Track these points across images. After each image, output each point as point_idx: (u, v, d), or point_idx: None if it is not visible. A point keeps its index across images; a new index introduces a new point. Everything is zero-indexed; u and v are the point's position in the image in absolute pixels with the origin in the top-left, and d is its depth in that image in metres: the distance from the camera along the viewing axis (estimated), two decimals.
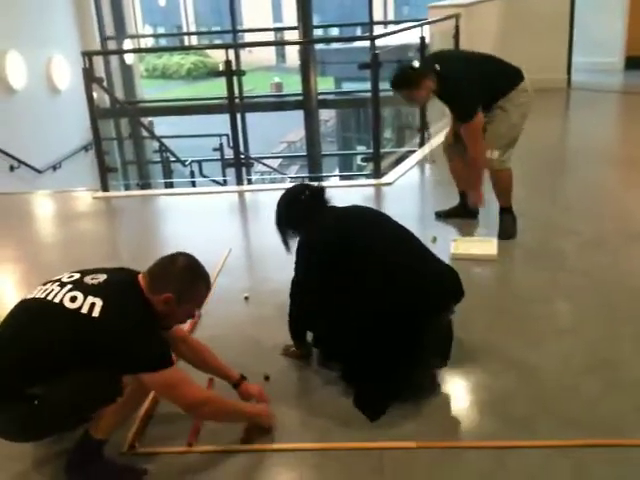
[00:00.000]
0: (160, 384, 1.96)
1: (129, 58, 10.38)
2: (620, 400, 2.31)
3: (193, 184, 8.78)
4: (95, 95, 5.37)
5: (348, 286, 2.35)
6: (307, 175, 9.37)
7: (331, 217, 2.57)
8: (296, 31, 8.71)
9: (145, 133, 9.66)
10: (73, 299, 1.92)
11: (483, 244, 3.66)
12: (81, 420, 2.04)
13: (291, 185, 2.76)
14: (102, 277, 2.02)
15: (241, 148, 6.42)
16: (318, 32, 19.23)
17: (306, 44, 8.40)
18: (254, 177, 9.12)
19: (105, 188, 5.50)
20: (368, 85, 5.47)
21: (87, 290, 1.95)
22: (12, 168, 7.41)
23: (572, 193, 4.67)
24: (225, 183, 8.37)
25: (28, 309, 2.01)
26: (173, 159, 8.92)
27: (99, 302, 1.91)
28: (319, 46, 13.14)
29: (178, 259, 2.09)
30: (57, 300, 1.94)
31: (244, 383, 2.35)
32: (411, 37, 6.36)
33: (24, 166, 7.58)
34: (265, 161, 11.43)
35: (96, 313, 1.89)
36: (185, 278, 2.06)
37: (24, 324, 1.97)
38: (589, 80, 8.39)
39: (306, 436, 2.21)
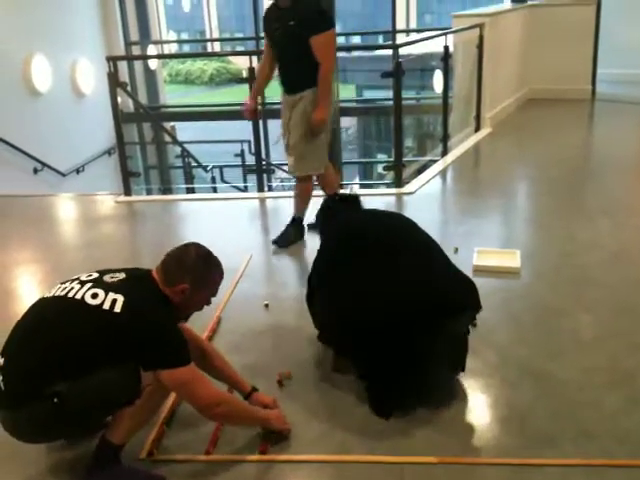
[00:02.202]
0: (177, 381, 1.97)
1: (153, 63, 10.46)
2: None
3: (214, 190, 8.82)
4: (119, 99, 5.42)
5: (355, 284, 2.35)
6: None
7: (355, 216, 2.70)
8: None
9: (167, 138, 9.73)
10: (94, 296, 1.95)
11: (506, 256, 3.63)
12: (98, 422, 2.04)
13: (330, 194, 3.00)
14: (120, 275, 2.06)
15: (262, 154, 6.44)
16: (340, 40, 19.27)
17: None
18: (274, 184, 9.13)
19: (127, 192, 5.54)
20: (390, 93, 5.46)
21: (107, 287, 1.98)
22: (36, 171, 7.50)
23: (596, 205, 4.62)
24: (246, 189, 8.40)
25: (48, 306, 2.02)
26: (195, 164, 8.97)
27: (120, 298, 1.94)
28: (341, 54, 13.15)
29: (190, 250, 2.14)
30: (78, 297, 1.96)
31: (256, 393, 2.35)
32: (434, 46, 6.35)
33: (48, 169, 7.66)
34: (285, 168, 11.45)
35: (118, 309, 1.92)
36: (199, 267, 2.10)
37: (45, 321, 1.99)
38: (614, 91, 8.31)
39: (324, 447, 2.20)
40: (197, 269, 2.10)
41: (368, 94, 16.20)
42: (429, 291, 2.28)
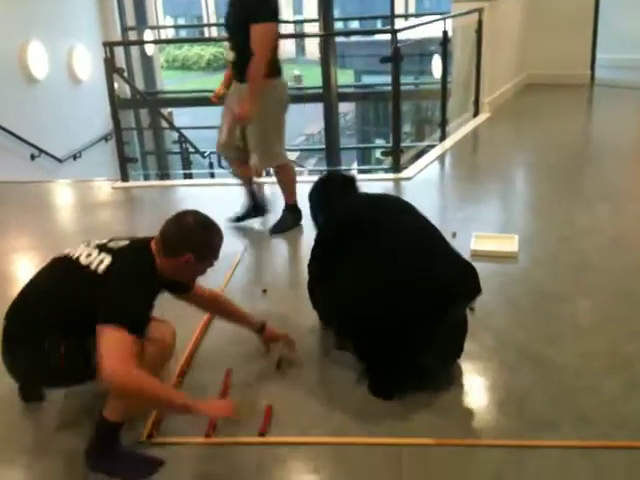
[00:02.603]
0: (103, 336, 1.88)
1: (149, 49, 10.41)
2: None
3: (212, 175, 8.80)
4: (116, 85, 5.39)
5: (354, 273, 2.35)
6: (326, 168, 9.34)
7: (352, 201, 2.65)
8: (316, 23, 8.68)
9: (165, 124, 9.69)
10: (88, 255, 2.10)
11: (504, 241, 3.63)
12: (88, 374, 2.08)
13: (323, 175, 2.87)
14: (123, 243, 2.18)
15: None
16: (339, 25, 19.15)
17: (327, 37, 8.36)
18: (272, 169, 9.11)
19: (125, 178, 5.52)
20: (388, 78, 5.44)
21: (104, 250, 2.11)
22: (33, 157, 7.48)
23: (595, 190, 4.62)
24: None
25: (55, 262, 2.22)
26: (192, 150, 8.94)
27: (107, 260, 2.06)
28: (339, 39, 13.09)
29: (188, 219, 2.18)
30: (76, 255, 2.13)
31: (268, 327, 2.57)
32: (433, 31, 6.31)
33: (45, 155, 7.64)
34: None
35: (100, 270, 2.04)
36: (200, 236, 2.16)
37: (47, 275, 2.20)
38: (613, 76, 8.28)
39: (323, 429, 2.20)
40: (198, 239, 2.15)
41: (366, 79, 16.15)
42: (429, 279, 2.26)
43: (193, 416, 1.98)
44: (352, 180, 2.77)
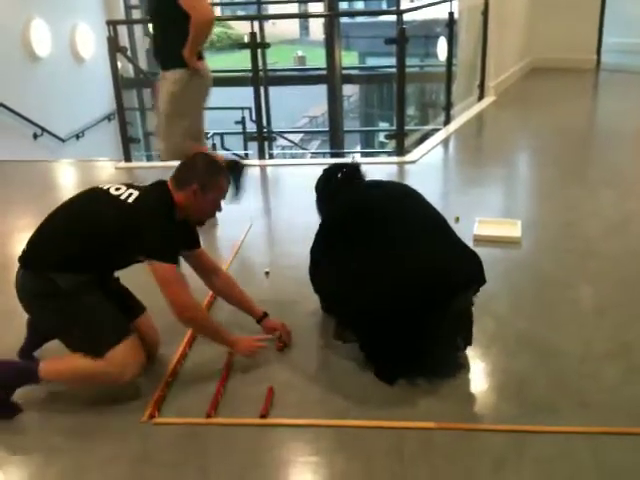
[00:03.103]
0: (163, 276, 2.20)
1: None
2: None
3: None
4: (119, 65, 5.36)
5: (364, 258, 2.34)
6: (329, 151, 9.31)
7: (357, 189, 2.63)
8: (321, 4, 8.61)
9: None
10: (118, 189, 2.32)
11: (507, 226, 3.63)
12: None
13: (329, 164, 2.82)
14: (145, 185, 2.42)
15: (263, 122, 6.39)
16: (343, 5, 18.99)
17: (331, 17, 8.30)
18: (275, 151, 9.08)
19: (128, 158, 5.51)
20: (393, 61, 5.40)
21: (130, 187, 2.35)
22: (36, 136, 7.46)
23: (599, 176, 4.60)
24: (247, 157, 8.35)
25: (84, 193, 2.40)
26: None
27: (135, 193, 2.30)
28: (344, 19, 12.98)
29: (197, 157, 2.45)
30: (106, 187, 2.35)
31: (267, 318, 2.63)
32: (439, 12, 6.26)
33: (47, 134, 7.62)
34: (287, 136, 11.39)
35: (131, 200, 2.27)
36: (206, 170, 2.38)
37: (77, 201, 2.37)
38: (619, 61, 8.21)
39: (325, 412, 2.22)
40: (205, 172, 2.36)
41: (371, 61, 16.04)
42: (435, 270, 2.25)
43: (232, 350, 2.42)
44: (357, 169, 2.72)
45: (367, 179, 2.72)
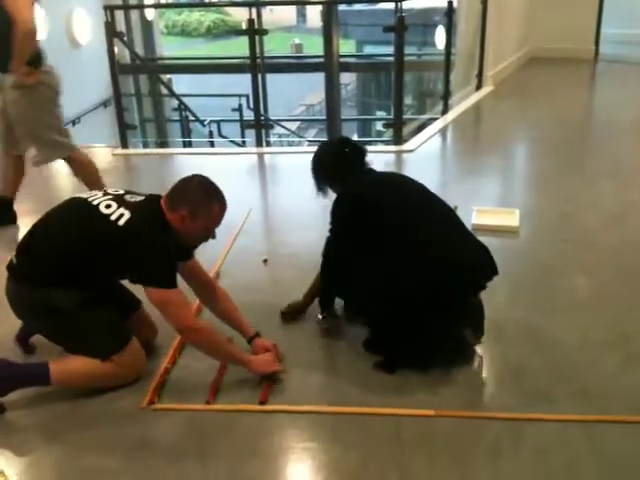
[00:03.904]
0: (161, 299, 2.11)
1: (150, 14, 10.24)
2: (639, 376, 2.30)
3: (212, 144, 8.74)
4: (116, 50, 5.32)
5: (385, 247, 2.32)
6: (325, 140, 9.28)
7: (373, 177, 2.56)
8: None
9: (164, 91, 9.59)
10: (108, 206, 2.18)
11: (505, 215, 3.63)
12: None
13: (331, 138, 2.72)
14: (139, 198, 2.26)
15: (261, 109, 6.36)
16: None
17: (329, 4, 8.23)
18: (272, 139, 9.05)
19: (125, 145, 5.49)
20: (391, 49, 5.38)
21: (122, 203, 2.19)
22: None
23: (597, 166, 4.60)
24: (244, 144, 8.32)
25: (70, 205, 2.29)
26: (192, 118, 8.87)
27: (127, 214, 2.15)
28: (341, 7, 12.85)
29: (192, 179, 2.27)
30: (95, 202, 2.20)
31: (258, 338, 2.44)
32: (438, 0, 6.23)
33: None
34: (283, 124, 11.34)
35: (122, 222, 2.13)
36: (198, 195, 2.22)
37: (62, 217, 2.27)
38: (617, 52, 8.20)
39: (324, 399, 2.22)
40: (195, 197, 2.21)
41: (369, 49, 15.97)
42: (459, 263, 2.27)
43: (247, 370, 2.25)
44: (364, 153, 2.61)
45: (373, 169, 2.62)
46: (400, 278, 2.24)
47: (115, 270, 2.23)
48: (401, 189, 2.51)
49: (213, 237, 2.31)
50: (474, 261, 2.34)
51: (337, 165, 2.57)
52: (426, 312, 2.25)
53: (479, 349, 2.48)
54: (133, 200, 2.23)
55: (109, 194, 2.25)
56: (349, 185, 2.50)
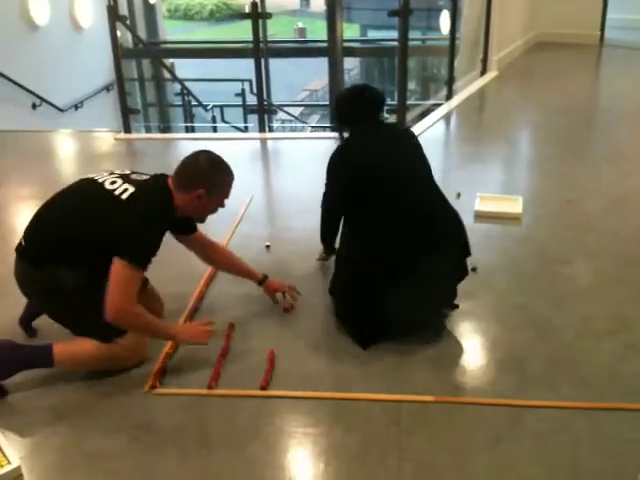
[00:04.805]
0: (122, 274, 2.08)
1: None
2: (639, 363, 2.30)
3: (214, 129, 8.72)
4: (118, 34, 5.30)
5: (372, 219, 2.40)
6: (329, 125, 9.25)
7: (373, 134, 2.58)
8: None
9: (167, 75, 9.55)
10: (113, 183, 2.23)
11: (508, 202, 3.62)
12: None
13: (356, 86, 2.76)
14: (144, 177, 2.31)
15: (264, 95, 6.33)
16: None
17: None
18: (275, 125, 9.02)
19: (127, 129, 5.47)
20: (395, 34, 5.34)
21: (127, 180, 2.24)
22: (34, 106, 7.39)
23: (600, 153, 4.59)
24: (247, 130, 8.30)
25: (77, 185, 2.34)
26: (195, 103, 8.84)
27: (131, 189, 2.19)
28: None
29: (199, 156, 2.30)
30: (101, 180, 2.26)
31: (268, 280, 2.65)
32: None
33: (46, 104, 7.55)
34: (286, 109, 11.30)
35: (125, 196, 2.17)
36: (211, 173, 2.28)
37: (69, 196, 2.31)
38: (623, 37, 8.14)
39: (324, 384, 2.23)
40: (210, 175, 2.27)
41: (372, 34, 15.86)
42: (424, 217, 2.37)
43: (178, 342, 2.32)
44: (380, 104, 2.64)
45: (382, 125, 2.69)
46: (370, 243, 2.35)
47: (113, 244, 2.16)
48: (392, 155, 2.52)
49: (222, 206, 2.40)
50: (445, 218, 2.44)
51: (348, 113, 2.65)
52: (392, 278, 2.30)
53: (480, 334, 2.49)
54: (139, 178, 2.28)
55: (115, 173, 2.30)
56: (349, 138, 2.62)
